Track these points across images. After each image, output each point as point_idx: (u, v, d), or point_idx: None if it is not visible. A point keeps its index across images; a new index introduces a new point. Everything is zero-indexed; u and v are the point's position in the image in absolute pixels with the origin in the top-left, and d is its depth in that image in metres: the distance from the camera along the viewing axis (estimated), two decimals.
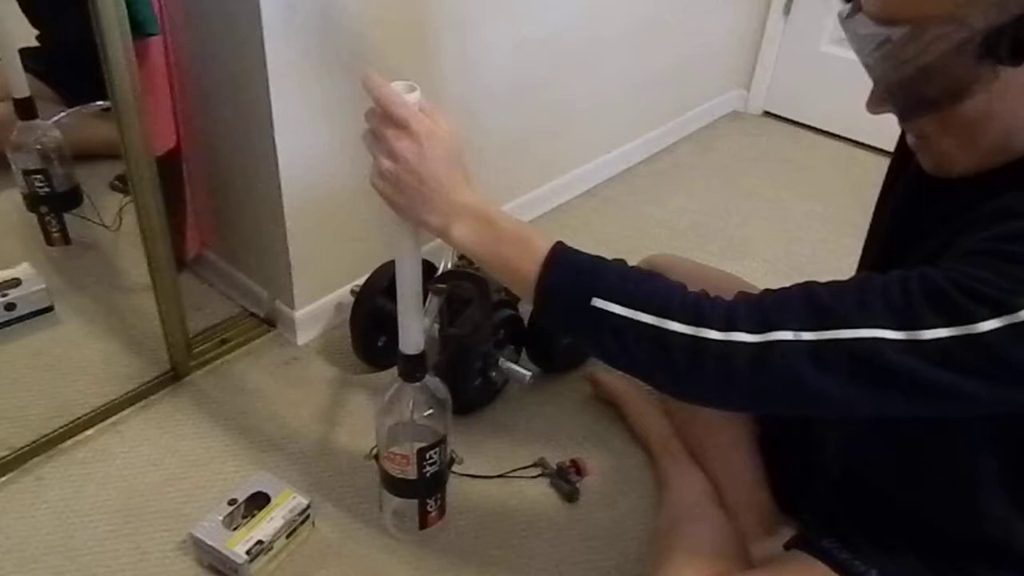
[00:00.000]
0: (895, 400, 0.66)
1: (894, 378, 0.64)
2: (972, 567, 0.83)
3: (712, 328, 0.68)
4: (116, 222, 1.57)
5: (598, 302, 0.71)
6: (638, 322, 0.70)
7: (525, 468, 1.24)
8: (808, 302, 0.68)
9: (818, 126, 2.34)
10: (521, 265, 0.76)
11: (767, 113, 2.44)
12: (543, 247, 0.75)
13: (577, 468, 1.23)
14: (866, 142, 2.24)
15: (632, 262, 1.26)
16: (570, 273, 0.74)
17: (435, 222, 0.79)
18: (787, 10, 2.27)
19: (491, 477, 1.23)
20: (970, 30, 0.63)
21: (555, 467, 1.24)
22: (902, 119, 0.75)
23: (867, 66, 0.72)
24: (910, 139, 0.77)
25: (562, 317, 0.76)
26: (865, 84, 0.73)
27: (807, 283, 0.70)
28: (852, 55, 0.72)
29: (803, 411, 0.73)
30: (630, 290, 0.72)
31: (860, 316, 0.65)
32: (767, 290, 0.72)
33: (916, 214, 0.84)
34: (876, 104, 0.74)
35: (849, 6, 0.72)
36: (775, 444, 1.10)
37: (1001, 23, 0.62)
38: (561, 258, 0.75)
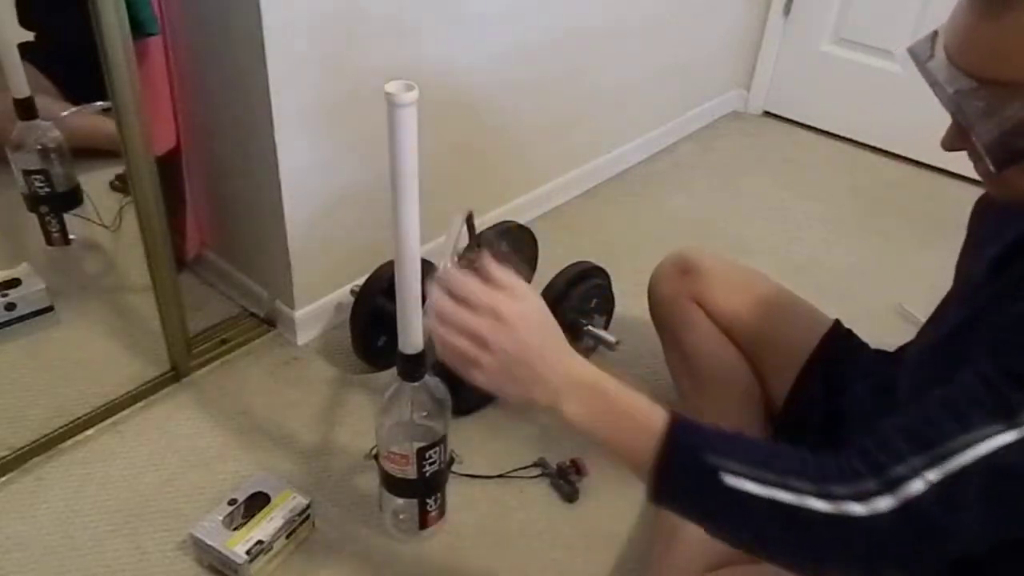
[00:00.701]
0: None
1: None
2: None
3: (850, 499, 0.64)
4: (116, 222, 1.57)
5: (730, 479, 0.67)
6: (775, 500, 0.66)
7: (525, 468, 1.24)
8: (909, 438, 0.65)
9: (818, 126, 2.33)
10: (636, 440, 0.71)
11: (767, 113, 2.44)
12: (658, 420, 0.71)
13: (577, 468, 1.23)
14: (866, 142, 2.21)
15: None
16: (694, 448, 0.70)
17: (544, 401, 0.75)
18: (787, 10, 2.27)
19: (491, 477, 1.23)
20: None
21: (555, 467, 1.24)
22: (991, 172, 0.70)
23: (948, 106, 0.68)
24: (978, 169, 0.73)
25: (685, 494, 0.71)
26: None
27: (889, 422, 0.67)
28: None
29: (938, 562, 0.69)
30: (761, 465, 0.68)
31: (963, 430, 0.62)
32: (860, 439, 0.68)
33: (980, 226, 0.83)
34: (954, 144, 0.70)
35: (925, 45, 0.68)
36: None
37: None
38: (682, 431, 0.70)
